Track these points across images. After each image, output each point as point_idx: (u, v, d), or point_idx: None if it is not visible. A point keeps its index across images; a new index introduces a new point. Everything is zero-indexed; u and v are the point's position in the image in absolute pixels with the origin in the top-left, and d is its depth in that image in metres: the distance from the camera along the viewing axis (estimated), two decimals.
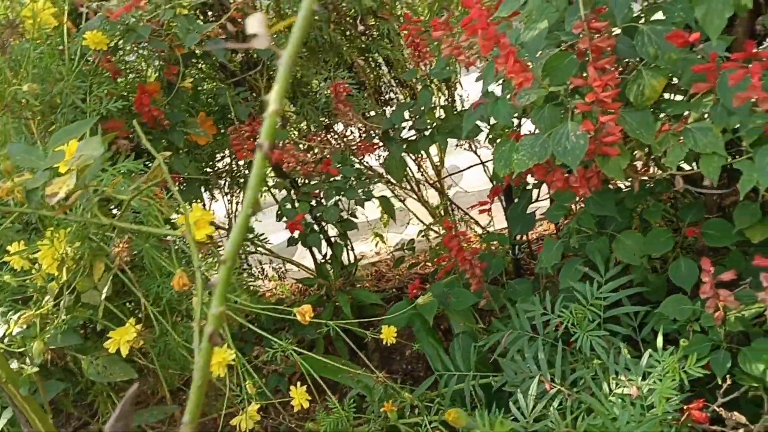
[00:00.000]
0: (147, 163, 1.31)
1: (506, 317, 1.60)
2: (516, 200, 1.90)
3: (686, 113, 1.03)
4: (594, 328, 1.15)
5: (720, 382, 1.06)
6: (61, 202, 0.87)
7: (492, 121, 1.54)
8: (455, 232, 1.62)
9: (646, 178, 1.16)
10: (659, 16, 1.04)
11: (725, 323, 1.04)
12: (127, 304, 1.45)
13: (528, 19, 1.01)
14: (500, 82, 1.24)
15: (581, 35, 0.99)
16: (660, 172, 1.24)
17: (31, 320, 1.08)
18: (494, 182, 1.91)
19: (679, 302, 1.12)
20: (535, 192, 1.85)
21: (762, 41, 1.08)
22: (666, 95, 1.09)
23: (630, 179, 1.18)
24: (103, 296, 1.12)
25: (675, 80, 1.05)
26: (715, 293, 1.00)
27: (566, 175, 1.09)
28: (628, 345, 1.19)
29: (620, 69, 1.05)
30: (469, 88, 2.31)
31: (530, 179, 1.84)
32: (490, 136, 2.01)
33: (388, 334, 1.47)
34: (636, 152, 1.10)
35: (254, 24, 0.47)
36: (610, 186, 1.30)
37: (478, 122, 1.90)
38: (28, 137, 1.34)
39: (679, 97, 1.09)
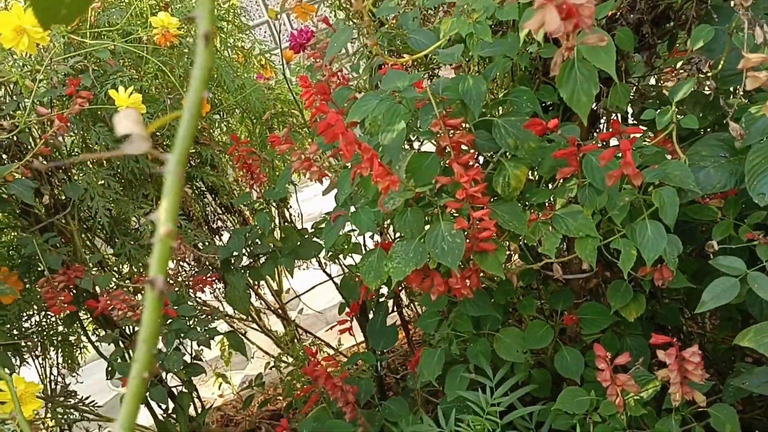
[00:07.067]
0: None
1: None
2: (371, 314, 1.82)
3: (549, 201, 1.02)
4: None
5: None
6: None
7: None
8: (317, 359, 1.48)
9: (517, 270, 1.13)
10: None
11: (626, 408, 1.01)
12: None
13: (383, 121, 0.96)
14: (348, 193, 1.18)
15: (439, 133, 0.96)
16: (521, 263, 1.23)
17: None
18: (346, 299, 1.82)
19: (574, 394, 1.08)
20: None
21: (605, 121, 1.13)
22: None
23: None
24: None
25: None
26: (613, 379, 0.97)
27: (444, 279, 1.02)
28: None
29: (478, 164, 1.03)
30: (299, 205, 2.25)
31: (383, 290, 1.78)
32: (330, 253, 1.95)
33: None
34: (509, 245, 1.07)
35: (125, 122, 0.35)
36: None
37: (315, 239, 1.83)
38: None
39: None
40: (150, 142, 0.35)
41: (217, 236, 2.28)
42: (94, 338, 1.99)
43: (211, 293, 2.31)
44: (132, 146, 0.35)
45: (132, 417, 0.33)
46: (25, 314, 1.83)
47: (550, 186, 1.08)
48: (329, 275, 1.92)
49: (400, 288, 1.77)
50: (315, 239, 1.80)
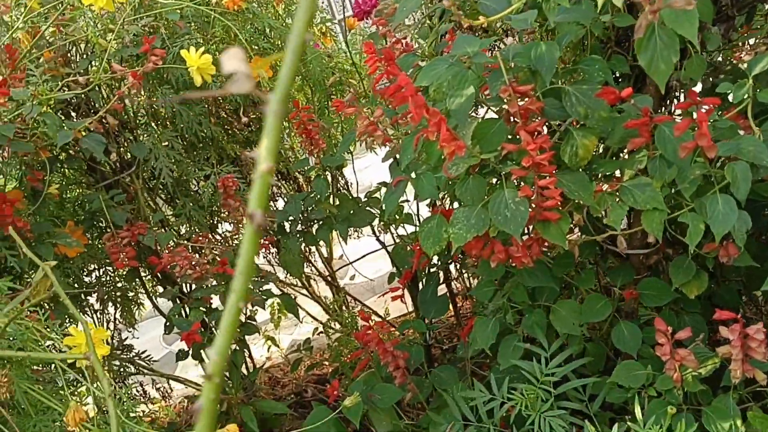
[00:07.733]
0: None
1: (435, 409, 1.49)
2: (421, 284, 1.83)
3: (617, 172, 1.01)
4: (548, 407, 1.07)
5: None
6: None
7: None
8: (370, 323, 1.51)
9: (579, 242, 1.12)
10: None
11: (683, 384, 1.00)
12: None
13: (450, 86, 0.96)
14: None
15: (507, 100, 0.96)
16: (581, 235, 1.22)
17: None
18: (398, 268, 1.84)
19: (630, 368, 1.07)
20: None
21: (675, 96, 1.11)
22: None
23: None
24: None
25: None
26: (672, 354, 0.96)
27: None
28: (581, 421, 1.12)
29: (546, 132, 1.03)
30: (352, 176, 2.28)
31: (434, 260, 1.79)
32: (383, 222, 1.96)
33: None
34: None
35: (232, 61, 0.36)
36: None
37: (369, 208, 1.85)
38: None
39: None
40: (254, 81, 0.36)
41: (271, 201, 2.32)
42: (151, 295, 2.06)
43: (263, 257, 2.36)
44: (237, 85, 0.36)
45: (226, 345, 0.34)
46: (85, 270, 1.90)
47: (615, 158, 1.07)
48: (383, 244, 1.94)
49: (456, 256, 1.77)
50: (368, 208, 1.82)
